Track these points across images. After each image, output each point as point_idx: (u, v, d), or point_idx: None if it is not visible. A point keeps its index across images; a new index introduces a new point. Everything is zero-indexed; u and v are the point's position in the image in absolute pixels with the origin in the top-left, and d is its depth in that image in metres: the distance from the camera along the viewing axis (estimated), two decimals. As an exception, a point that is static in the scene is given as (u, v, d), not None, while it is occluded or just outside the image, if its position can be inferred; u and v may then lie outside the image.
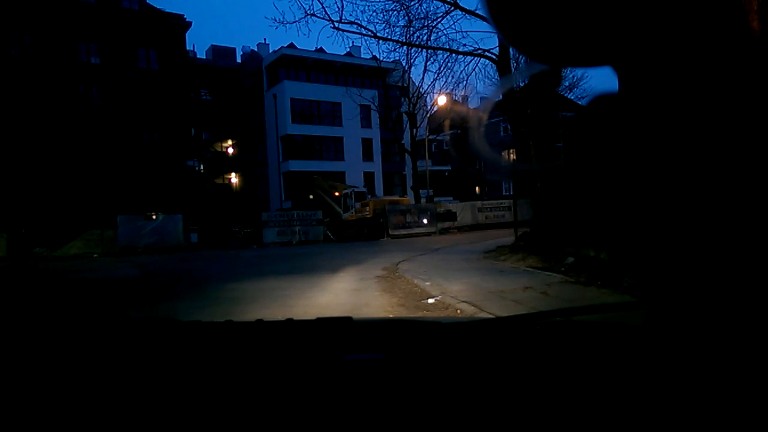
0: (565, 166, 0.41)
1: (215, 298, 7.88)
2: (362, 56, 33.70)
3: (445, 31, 26.31)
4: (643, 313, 0.44)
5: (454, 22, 28.64)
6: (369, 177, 37.94)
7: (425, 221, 25.00)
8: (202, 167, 34.80)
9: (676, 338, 0.41)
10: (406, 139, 30.77)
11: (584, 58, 0.38)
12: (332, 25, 13.84)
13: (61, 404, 0.78)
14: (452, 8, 13.08)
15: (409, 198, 30.90)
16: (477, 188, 44.73)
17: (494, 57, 13.46)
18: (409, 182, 35.00)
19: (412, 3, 13.52)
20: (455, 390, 0.77)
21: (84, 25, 28.14)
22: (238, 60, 39.25)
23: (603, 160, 0.39)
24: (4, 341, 1.04)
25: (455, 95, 21.28)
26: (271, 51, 38.97)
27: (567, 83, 24.19)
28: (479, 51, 13.79)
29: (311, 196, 31.28)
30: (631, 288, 5.74)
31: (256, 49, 39.76)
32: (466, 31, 51.85)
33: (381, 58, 18.36)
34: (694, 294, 0.38)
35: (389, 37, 14.49)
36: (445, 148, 45.76)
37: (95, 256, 20.27)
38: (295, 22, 14.03)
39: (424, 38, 14.16)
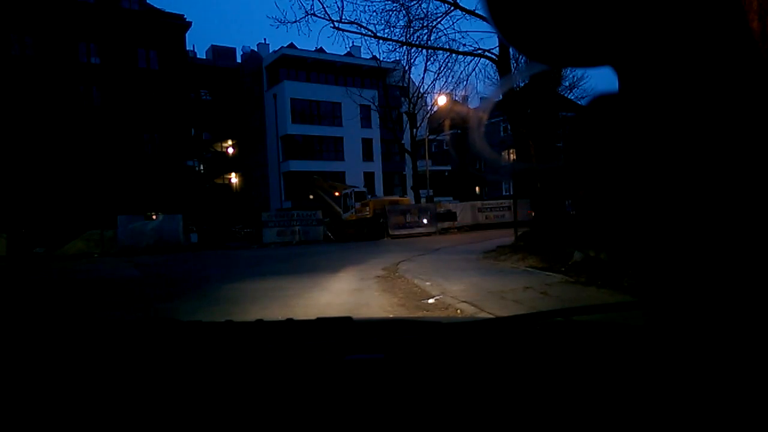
0: (565, 166, 0.41)
1: (215, 298, 7.87)
2: (362, 56, 33.66)
3: (445, 31, 26.21)
4: (643, 313, 0.44)
5: (453, 22, 28.59)
6: (369, 177, 37.93)
7: (425, 221, 25.00)
8: (202, 167, 34.79)
9: (676, 338, 0.41)
10: (406, 139, 30.77)
11: (584, 58, 0.38)
12: (332, 25, 13.86)
13: (61, 404, 0.78)
14: (452, 8, 13.09)
15: (409, 198, 30.90)
16: (477, 188, 44.73)
17: (494, 57, 13.46)
18: (409, 182, 34.99)
19: (412, 3, 13.52)
20: (455, 390, 0.77)
21: (84, 25, 28.14)
22: (238, 60, 39.23)
23: (603, 161, 0.39)
24: (4, 342, 1.04)
25: (455, 95, 21.29)
26: (271, 51, 38.95)
27: (567, 83, 24.17)
28: (479, 51, 13.80)
29: (311, 196, 31.28)
30: (631, 288, 5.74)
31: (256, 49, 39.74)
32: (466, 31, 51.75)
33: (381, 58, 18.34)
34: (694, 294, 0.38)
35: (389, 37, 14.49)
36: (445, 148, 45.74)
37: (95, 255, 20.27)
38: (295, 21, 14.05)
39: (424, 38, 14.17)
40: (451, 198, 38.73)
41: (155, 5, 31.71)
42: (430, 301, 6.95)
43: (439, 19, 13.74)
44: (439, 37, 17.12)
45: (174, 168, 30.01)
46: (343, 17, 25.82)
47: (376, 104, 32.55)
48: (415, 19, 13.76)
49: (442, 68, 19.57)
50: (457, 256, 12.78)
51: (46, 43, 27.33)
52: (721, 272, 0.36)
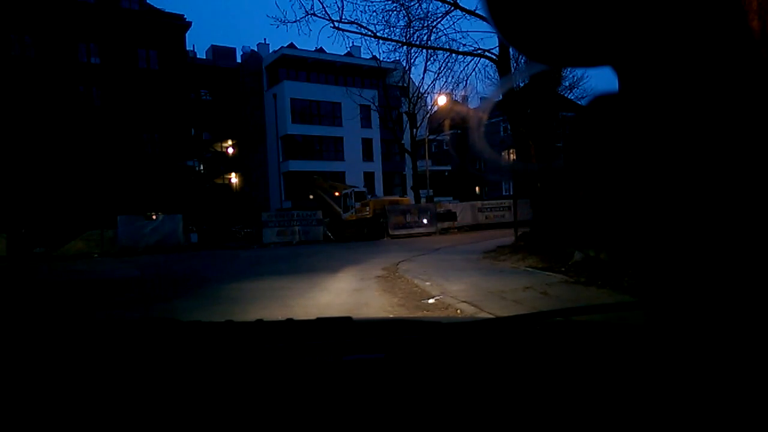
0: (565, 166, 0.41)
1: (215, 298, 7.87)
2: (362, 56, 33.65)
3: (445, 31, 26.25)
4: (643, 313, 0.44)
5: (454, 22, 28.73)
6: (369, 177, 37.93)
7: (425, 221, 25.00)
8: (202, 167, 34.78)
9: (676, 338, 0.41)
10: (406, 139, 30.77)
11: (584, 58, 0.38)
12: (332, 25, 13.86)
13: (61, 404, 0.78)
14: (452, 8, 13.09)
15: (409, 198, 30.89)
16: (477, 188, 44.73)
17: (494, 57, 13.47)
18: (409, 182, 34.99)
19: (412, 3, 13.52)
20: (455, 390, 0.77)
21: (84, 25, 28.14)
22: (238, 60, 39.22)
23: (603, 161, 0.39)
24: (3, 342, 1.04)
25: (455, 95, 21.26)
26: (271, 51, 38.96)
27: (567, 83, 24.19)
28: (479, 51, 13.80)
29: (311, 196, 31.27)
30: (631, 288, 5.74)
31: (256, 49, 39.74)
32: (466, 31, 51.86)
33: (381, 58, 18.35)
34: (694, 294, 0.38)
35: (389, 37, 14.50)
36: (445, 148, 45.74)
37: (95, 256, 20.27)
38: (295, 21, 14.05)
39: (424, 38, 14.16)
40: (451, 198, 38.73)
41: (155, 5, 31.72)
42: (430, 301, 6.95)
43: (439, 19, 13.76)
44: (439, 37, 17.15)
45: (174, 168, 30.01)
46: (343, 17, 25.82)
47: (376, 104, 32.56)
48: (415, 19, 13.77)
49: (442, 68, 19.61)
50: (457, 256, 12.78)
51: (46, 43, 27.33)
52: (721, 272, 0.36)
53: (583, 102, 0.43)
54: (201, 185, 33.28)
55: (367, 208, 25.46)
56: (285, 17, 46.50)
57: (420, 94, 26.58)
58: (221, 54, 38.72)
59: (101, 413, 0.76)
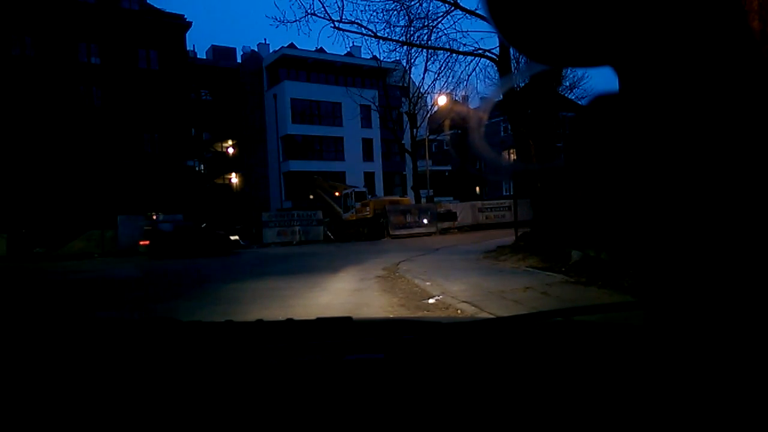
0: (565, 166, 0.41)
1: (215, 298, 7.88)
2: (362, 56, 33.68)
3: (445, 31, 26.14)
4: (643, 313, 0.44)
5: (454, 22, 28.62)
6: (369, 177, 37.94)
7: (425, 221, 25.01)
8: (202, 167, 34.78)
9: (676, 338, 0.41)
10: (407, 139, 30.78)
11: (584, 58, 0.38)
12: (333, 25, 13.86)
13: (60, 405, 0.78)
14: (452, 8, 13.09)
15: (409, 198, 30.91)
16: (477, 188, 44.73)
17: (494, 57, 13.46)
18: (409, 182, 35.02)
19: (413, 3, 13.52)
20: (455, 390, 0.77)
21: (84, 25, 28.15)
22: (239, 60, 39.24)
23: (603, 161, 0.39)
24: (2, 342, 1.04)
25: (455, 95, 21.24)
26: (271, 51, 38.98)
27: (567, 83, 24.19)
28: (479, 51, 13.80)
29: (311, 196, 31.31)
30: (631, 288, 5.74)
31: (256, 49, 39.76)
32: (467, 31, 51.56)
33: (381, 58, 18.36)
34: (694, 294, 0.38)
35: (389, 37, 14.49)
36: (445, 148, 45.75)
37: (96, 256, 20.29)
38: (295, 21, 14.05)
39: (425, 38, 14.17)
40: (451, 198, 38.74)
41: (155, 5, 31.73)
42: (431, 301, 6.95)
43: (439, 19, 13.75)
44: (440, 36, 17.11)
45: (174, 168, 30.01)
46: (344, 17, 25.83)
47: (377, 104, 32.56)
48: (416, 19, 13.77)
49: (442, 68, 19.58)
50: (457, 256, 12.78)
51: (46, 43, 27.33)
52: (721, 272, 0.36)
53: (583, 102, 0.43)
54: (201, 185, 33.28)
55: (368, 208, 25.47)
56: (284, 17, 46.55)
57: (420, 94, 26.59)
58: (221, 54, 38.74)
59: (101, 413, 0.76)
